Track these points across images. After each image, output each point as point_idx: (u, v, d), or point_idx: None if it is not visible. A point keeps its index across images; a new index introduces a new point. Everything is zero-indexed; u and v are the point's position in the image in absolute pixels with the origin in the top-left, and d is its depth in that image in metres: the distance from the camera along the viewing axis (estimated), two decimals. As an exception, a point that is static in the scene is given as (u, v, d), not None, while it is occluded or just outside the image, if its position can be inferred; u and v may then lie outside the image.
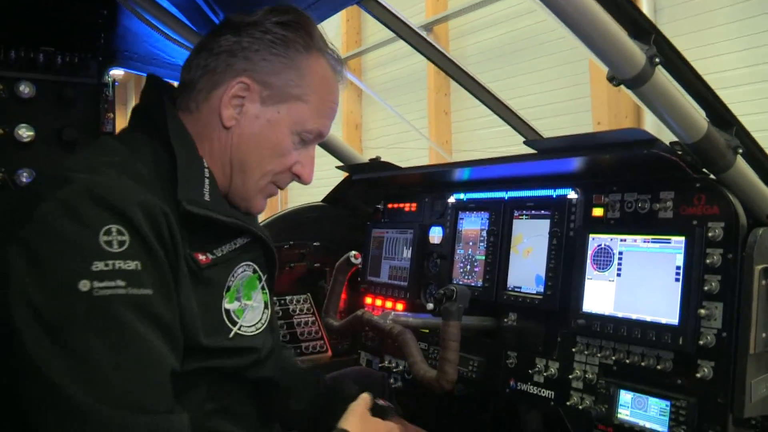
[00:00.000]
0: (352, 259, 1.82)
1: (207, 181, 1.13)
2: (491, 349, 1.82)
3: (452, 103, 7.19)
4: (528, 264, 1.75)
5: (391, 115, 7.22)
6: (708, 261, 1.33)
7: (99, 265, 0.92)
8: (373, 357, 2.36)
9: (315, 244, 2.58)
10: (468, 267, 1.95)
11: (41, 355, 0.89)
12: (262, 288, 1.24)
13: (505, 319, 1.79)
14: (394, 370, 2.19)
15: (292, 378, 1.55)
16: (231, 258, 1.15)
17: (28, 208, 0.94)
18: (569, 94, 5.85)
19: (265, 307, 1.24)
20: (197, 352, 1.06)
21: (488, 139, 6.40)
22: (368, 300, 2.37)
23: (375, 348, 2.35)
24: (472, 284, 1.90)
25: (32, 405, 0.90)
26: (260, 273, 1.23)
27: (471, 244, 1.96)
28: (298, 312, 2.46)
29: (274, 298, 2.43)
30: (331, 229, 2.58)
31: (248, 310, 1.17)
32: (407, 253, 2.23)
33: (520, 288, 1.76)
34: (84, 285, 0.91)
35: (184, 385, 1.02)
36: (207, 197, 1.11)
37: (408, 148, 5.38)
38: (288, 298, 2.48)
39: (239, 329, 1.15)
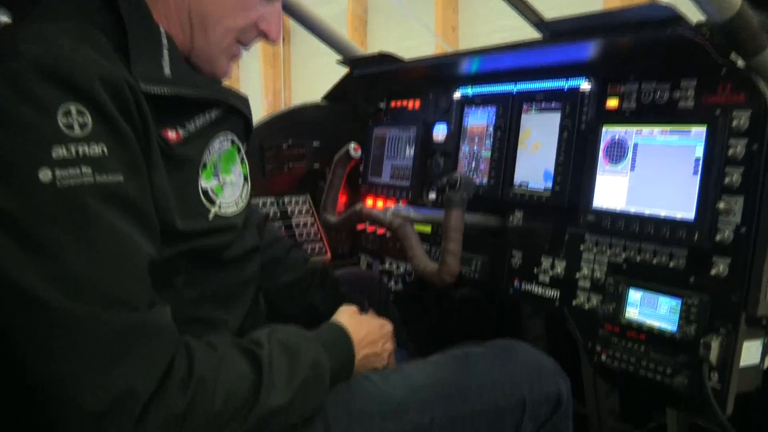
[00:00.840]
0: (352, 152, 1.73)
1: (166, 51, 1.02)
2: (495, 248, 1.76)
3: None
4: (536, 160, 1.66)
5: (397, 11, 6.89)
6: (730, 152, 1.24)
7: (60, 151, 0.83)
8: (374, 259, 2.32)
9: (315, 144, 2.49)
10: (473, 164, 1.86)
11: (8, 260, 0.81)
12: (242, 160, 1.15)
13: (511, 218, 1.71)
14: (395, 272, 2.14)
15: (281, 250, 1.52)
16: (205, 132, 1.06)
17: None
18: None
19: (245, 180, 1.16)
20: (173, 237, 0.98)
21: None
22: (369, 201, 2.31)
23: (376, 250, 2.30)
24: (477, 182, 1.82)
25: (8, 318, 0.83)
26: (239, 144, 1.15)
27: (476, 140, 1.87)
28: (296, 213, 2.40)
29: (273, 198, 2.37)
30: (332, 128, 2.48)
31: (227, 186, 1.10)
32: (410, 152, 2.14)
33: (527, 185, 1.67)
34: (45, 175, 0.82)
35: (161, 273, 0.94)
36: (167, 71, 1.00)
37: (413, 46, 5.13)
38: (286, 198, 2.41)
39: (219, 209, 1.07)
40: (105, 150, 0.86)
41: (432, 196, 1.62)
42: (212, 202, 1.06)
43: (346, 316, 1.29)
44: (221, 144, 1.10)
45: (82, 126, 0.85)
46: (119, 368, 0.84)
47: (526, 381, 1.27)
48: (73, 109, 0.84)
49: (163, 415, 0.86)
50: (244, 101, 1.16)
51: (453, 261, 1.32)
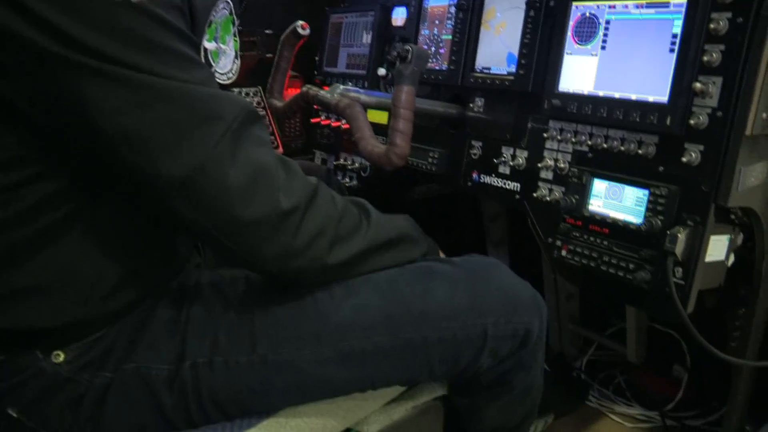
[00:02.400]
0: (299, 30, 1.56)
1: None
2: (454, 139, 1.64)
3: None
4: (500, 42, 1.51)
5: None
6: (712, 26, 1.11)
7: None
8: (329, 155, 2.19)
9: (267, 31, 2.31)
10: (433, 49, 1.71)
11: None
12: (234, 34, 1.07)
13: (471, 105, 1.59)
14: (350, 167, 2.02)
15: None
16: None
17: None
18: None
19: (236, 56, 1.08)
20: None
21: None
22: (325, 93, 2.15)
23: (330, 146, 2.16)
24: (437, 68, 1.68)
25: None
26: (234, 16, 1.06)
27: (437, 22, 1.71)
28: (247, 106, 2.24)
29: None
30: (286, 15, 2.29)
31: (222, 54, 1.03)
32: (367, 38, 1.98)
33: (490, 69, 1.54)
34: None
35: None
36: None
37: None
38: (236, 90, 2.25)
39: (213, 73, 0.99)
40: None
41: (381, 71, 1.48)
42: (209, 65, 1.00)
43: None
44: (223, 8, 1.01)
45: None
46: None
47: (493, 313, 1.11)
48: None
49: None
50: None
51: (402, 141, 1.18)
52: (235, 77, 1.08)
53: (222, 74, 1.04)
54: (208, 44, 0.99)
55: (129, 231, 0.96)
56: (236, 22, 1.08)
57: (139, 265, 0.99)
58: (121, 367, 0.95)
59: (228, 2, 1.03)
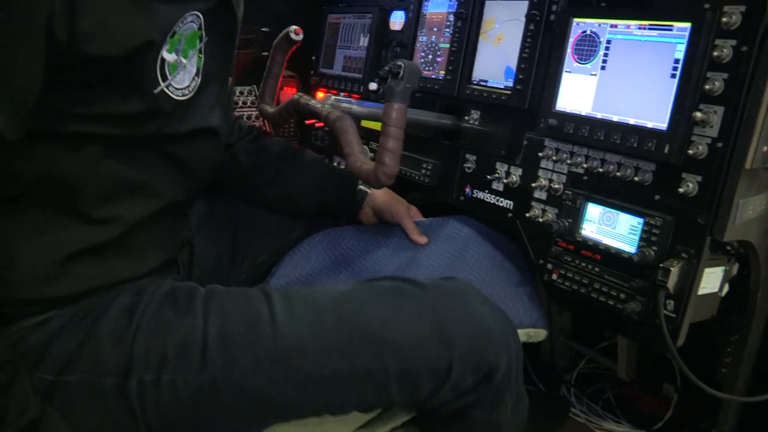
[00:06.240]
0: (292, 35, 1.52)
1: None
2: (448, 151, 1.60)
3: None
4: (498, 54, 1.47)
5: None
6: (715, 54, 1.07)
7: None
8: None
9: (264, 29, 2.26)
10: (430, 56, 1.67)
11: None
12: (200, 51, 1.03)
13: (467, 118, 1.55)
14: (343, 171, 1.99)
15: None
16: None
17: None
18: None
19: (197, 74, 1.03)
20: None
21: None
22: (320, 95, 2.12)
23: (324, 148, 2.13)
24: (433, 77, 1.64)
25: None
26: (202, 32, 1.02)
27: (435, 30, 1.67)
28: (240, 104, 2.20)
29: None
30: (283, 12, 2.24)
31: (181, 68, 0.98)
32: (364, 41, 1.94)
33: (487, 82, 1.50)
34: None
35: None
36: None
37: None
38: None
39: (167, 88, 0.96)
40: None
41: (373, 86, 1.44)
42: (165, 78, 0.96)
43: None
44: (191, 22, 0.98)
45: None
46: None
47: (459, 345, 1.05)
48: None
49: None
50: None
51: (391, 161, 1.14)
52: (192, 95, 1.03)
53: (178, 89, 1.00)
54: (168, 55, 0.96)
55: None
56: (203, 39, 1.04)
57: (85, 258, 0.99)
58: (63, 378, 0.94)
59: (198, 16, 1.00)
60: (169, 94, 0.98)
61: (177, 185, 1.11)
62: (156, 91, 0.96)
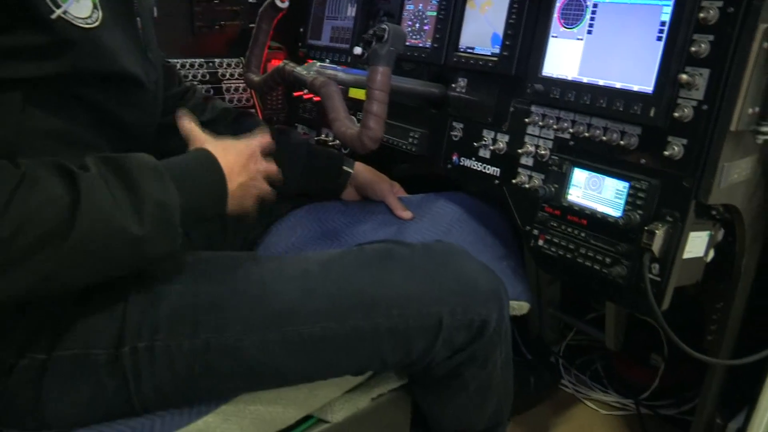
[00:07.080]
0: (278, 2, 1.50)
1: None
2: (436, 120, 1.59)
3: None
4: (485, 20, 1.46)
5: None
6: (702, 15, 1.06)
7: None
8: (310, 131, 2.14)
9: (250, 1, 2.24)
10: (417, 25, 1.66)
11: None
12: None
13: (454, 86, 1.54)
14: (330, 143, 1.98)
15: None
16: None
17: None
18: None
19: (95, 7, 0.94)
20: None
21: None
22: (308, 66, 2.10)
23: (313, 121, 2.12)
24: (420, 45, 1.63)
25: None
26: None
27: (423, -3, 1.66)
28: (228, 77, 2.19)
29: (202, 60, 2.14)
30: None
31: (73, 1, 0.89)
32: (351, 11, 1.92)
33: (474, 49, 1.49)
34: None
35: None
36: None
37: None
38: (217, 61, 2.19)
39: (64, 14, 0.87)
40: None
41: (358, 50, 1.42)
42: (57, 5, 0.86)
43: (209, 143, 1.05)
44: None
45: None
46: None
47: (449, 301, 1.08)
48: None
49: None
50: None
51: (376, 124, 1.13)
52: (97, 25, 0.93)
53: (78, 17, 0.90)
54: None
55: None
56: None
57: None
58: (56, 353, 0.91)
59: None
60: (70, 20, 0.89)
61: (113, 139, 1.02)
62: (53, 16, 0.86)
